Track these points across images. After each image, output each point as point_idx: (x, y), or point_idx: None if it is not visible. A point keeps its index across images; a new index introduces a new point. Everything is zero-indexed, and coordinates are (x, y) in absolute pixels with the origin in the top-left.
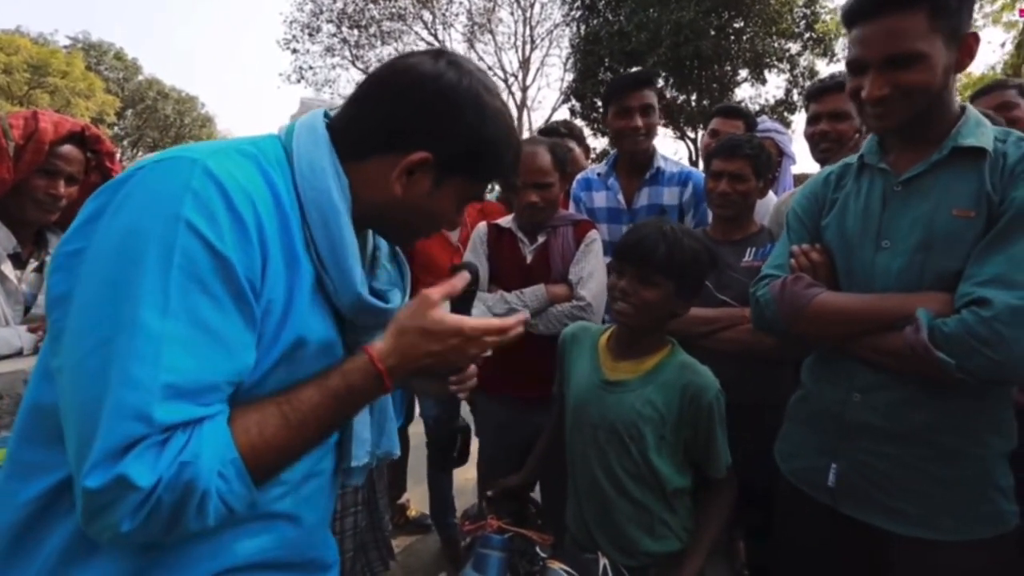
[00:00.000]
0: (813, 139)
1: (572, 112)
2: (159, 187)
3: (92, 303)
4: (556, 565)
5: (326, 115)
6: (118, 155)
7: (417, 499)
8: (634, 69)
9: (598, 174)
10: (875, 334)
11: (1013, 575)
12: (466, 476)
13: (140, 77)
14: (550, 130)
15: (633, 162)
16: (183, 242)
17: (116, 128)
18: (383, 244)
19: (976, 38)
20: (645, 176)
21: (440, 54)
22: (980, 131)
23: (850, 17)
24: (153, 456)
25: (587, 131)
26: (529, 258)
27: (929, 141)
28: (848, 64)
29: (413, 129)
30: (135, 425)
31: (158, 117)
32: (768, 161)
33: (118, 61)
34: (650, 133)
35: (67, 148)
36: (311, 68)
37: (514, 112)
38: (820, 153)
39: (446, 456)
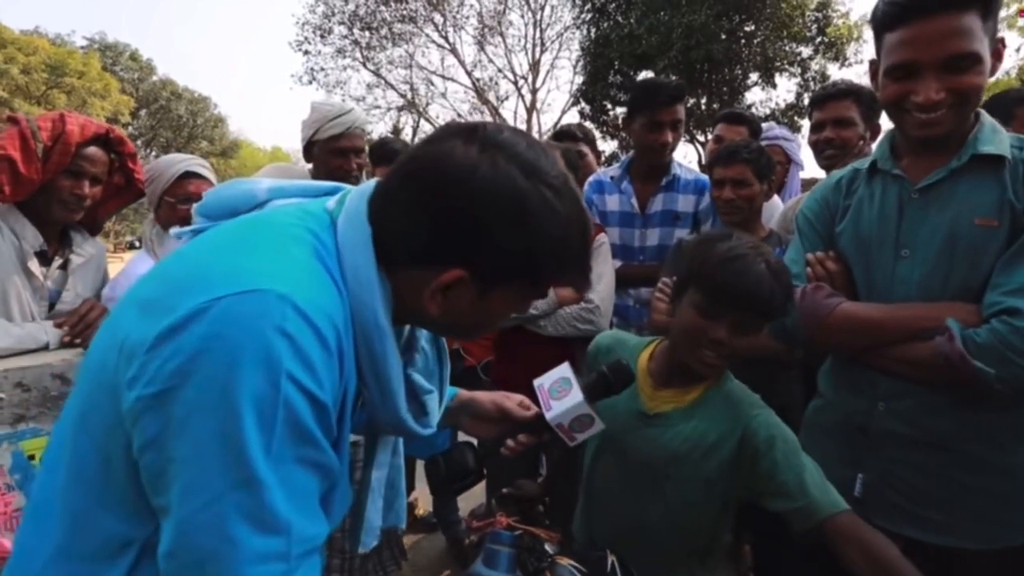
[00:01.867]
0: (817, 146)
1: (581, 115)
2: (253, 331)
3: (200, 456)
4: (565, 561)
5: (372, 198)
6: None
7: (425, 498)
8: (654, 77)
9: (611, 177)
10: (899, 344)
11: None
12: None
13: (154, 78)
14: (564, 133)
15: (650, 168)
16: (287, 396)
17: (130, 128)
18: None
19: (1004, 43)
20: (661, 182)
21: (473, 134)
22: (997, 138)
23: (896, 16)
24: None
25: (596, 134)
26: None
27: (945, 147)
28: (893, 69)
29: (445, 243)
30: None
31: (171, 117)
32: (769, 164)
33: (133, 62)
34: (675, 147)
35: (92, 150)
36: (323, 70)
37: (523, 115)
38: (824, 160)
39: (445, 488)
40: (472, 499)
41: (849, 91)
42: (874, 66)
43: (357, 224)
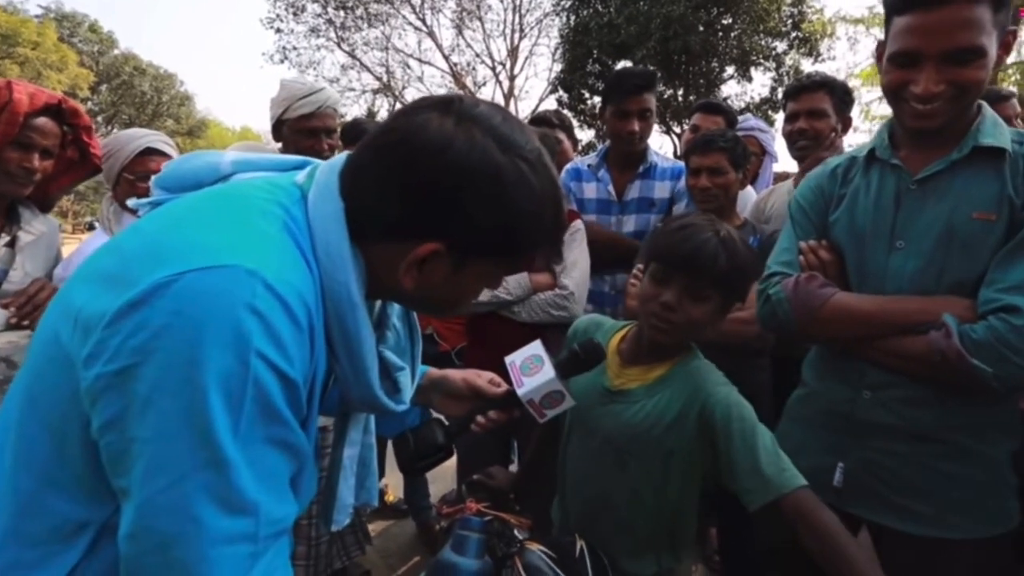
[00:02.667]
0: (791, 137)
1: (559, 103)
2: (220, 308)
3: (164, 436)
4: (534, 547)
5: (343, 173)
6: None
7: (395, 484)
8: (628, 66)
9: (589, 165)
10: (891, 338)
11: (1011, 572)
12: (445, 463)
13: (116, 51)
14: (540, 119)
15: (626, 156)
16: (256, 374)
17: (90, 103)
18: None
19: (1015, 35)
20: (638, 170)
21: (449, 106)
22: (998, 131)
23: (905, 2)
24: None
25: (574, 123)
26: None
27: (945, 138)
28: (895, 56)
29: (419, 216)
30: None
31: (134, 93)
32: (744, 153)
33: (92, 33)
34: (645, 136)
35: (42, 120)
36: (295, 49)
37: (500, 101)
38: (797, 151)
39: (413, 464)
40: (443, 485)
41: (823, 83)
42: (880, 48)
43: (328, 198)
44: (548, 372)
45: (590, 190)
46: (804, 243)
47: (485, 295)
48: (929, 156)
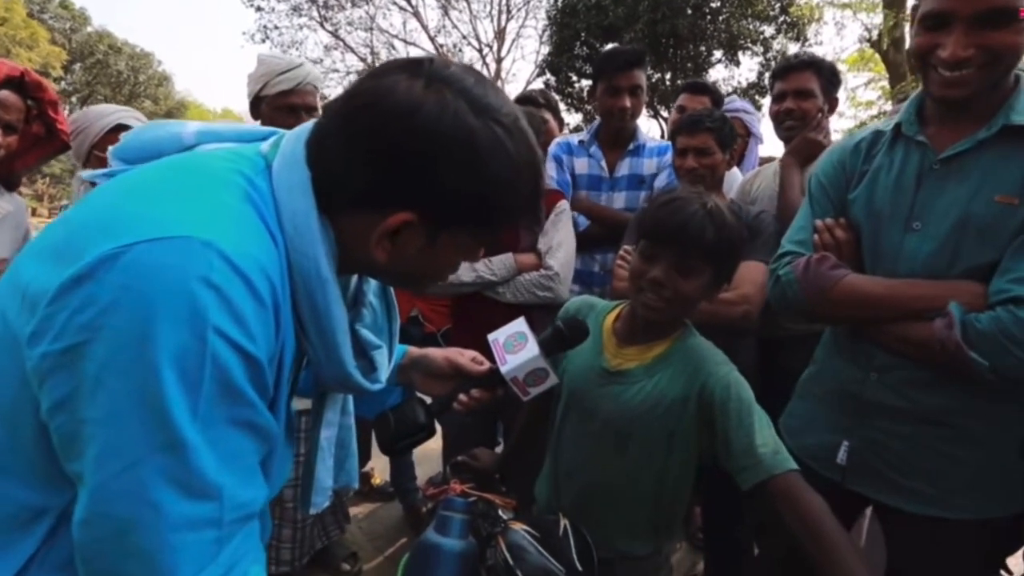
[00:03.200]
0: (778, 117)
1: (547, 86)
2: (173, 282)
3: (117, 418)
4: (517, 526)
5: (309, 141)
6: (66, 112)
7: (381, 468)
8: (617, 45)
9: (580, 141)
10: (900, 322)
11: (1008, 550)
12: (431, 446)
13: (89, 29)
14: (526, 98)
15: (616, 134)
16: (214, 352)
17: (63, 83)
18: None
19: None
20: (628, 147)
21: (418, 68)
22: None
23: None
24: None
25: (562, 106)
26: None
27: (975, 114)
28: (924, 18)
29: (389, 184)
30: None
31: (110, 73)
32: (731, 133)
33: (64, 10)
34: (636, 113)
35: (4, 94)
36: (276, 28)
37: None
38: (784, 131)
39: (394, 444)
40: (430, 467)
41: (811, 63)
42: (915, 11)
43: (294, 167)
44: (532, 349)
45: (581, 165)
46: (820, 222)
47: (469, 275)
48: (957, 133)
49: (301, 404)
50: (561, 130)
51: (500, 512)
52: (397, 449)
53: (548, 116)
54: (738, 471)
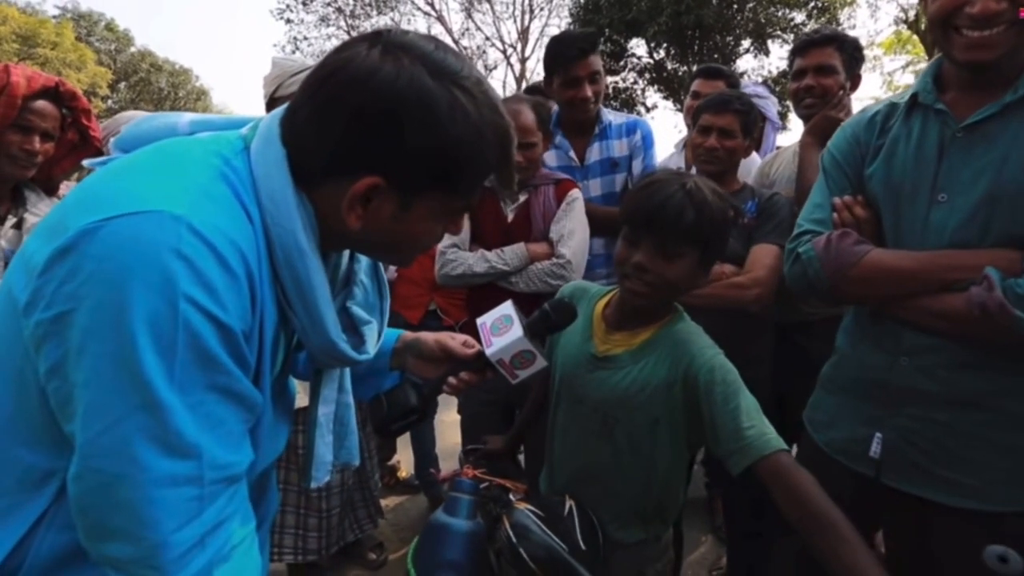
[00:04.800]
0: (797, 95)
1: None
2: (145, 253)
3: (99, 380)
4: (522, 506)
5: (284, 119)
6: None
7: (407, 461)
8: (565, 31)
9: None
10: (928, 295)
11: None
12: (455, 440)
13: (132, 49)
14: (534, 89)
15: (580, 122)
16: (186, 318)
17: (109, 101)
18: (363, 256)
19: None
20: (594, 131)
21: (377, 38)
22: None
23: None
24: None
25: None
26: (510, 217)
27: (996, 80)
28: None
29: (353, 149)
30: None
31: (152, 90)
32: (756, 119)
33: (109, 32)
34: (598, 99)
35: (41, 103)
36: (306, 39)
37: (512, 84)
38: (804, 109)
39: (387, 426)
40: (455, 462)
41: (832, 38)
42: None
43: (270, 144)
44: (517, 331)
45: (550, 157)
46: (838, 199)
47: (482, 266)
48: (979, 99)
49: (303, 403)
50: None
51: (510, 496)
52: (391, 430)
53: (554, 107)
54: (727, 456)
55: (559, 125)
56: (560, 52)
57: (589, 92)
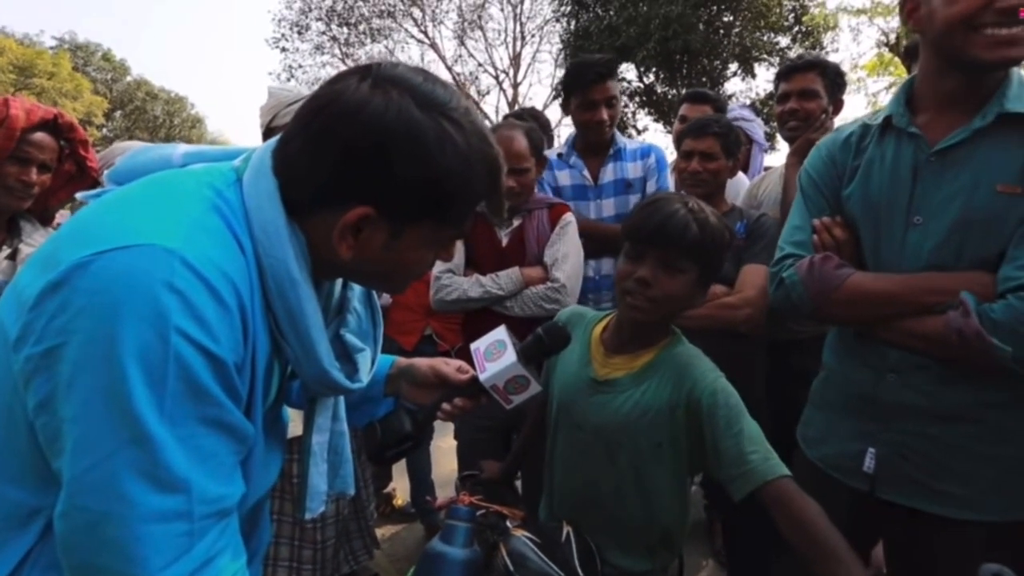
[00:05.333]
0: (782, 118)
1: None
2: (137, 287)
3: (88, 415)
4: (519, 532)
5: (276, 150)
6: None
7: (403, 489)
8: (585, 56)
9: (559, 154)
10: (908, 318)
11: None
12: (451, 467)
13: (128, 78)
14: (517, 115)
15: (596, 144)
16: (177, 351)
17: (105, 130)
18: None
19: None
20: (608, 152)
21: (367, 71)
22: None
23: None
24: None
25: None
26: (504, 241)
27: (966, 104)
28: None
29: (343, 180)
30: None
31: (147, 118)
32: (737, 141)
33: (106, 62)
34: (614, 122)
35: (39, 135)
36: (301, 67)
37: (505, 109)
38: (788, 132)
39: (382, 454)
40: (451, 489)
41: (815, 64)
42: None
43: (261, 175)
44: (510, 357)
45: (564, 177)
46: (817, 221)
47: (476, 291)
48: (950, 123)
49: (293, 431)
50: (551, 144)
51: (507, 523)
52: (386, 457)
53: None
54: (730, 481)
55: (574, 146)
56: (579, 75)
57: (605, 115)
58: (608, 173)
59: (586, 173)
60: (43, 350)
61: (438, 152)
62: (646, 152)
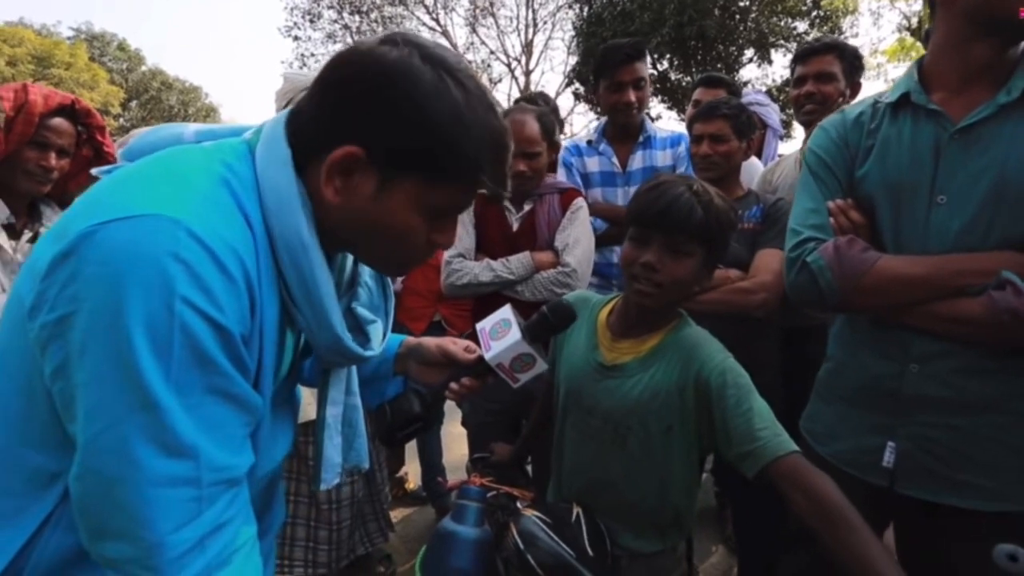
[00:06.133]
0: (798, 101)
1: (576, 96)
2: (142, 256)
3: (99, 381)
4: (529, 512)
5: (289, 119)
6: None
7: (416, 472)
8: (615, 40)
9: (588, 141)
10: (942, 301)
11: None
12: (462, 452)
13: (143, 68)
14: (528, 99)
15: (624, 130)
16: (183, 320)
17: (121, 119)
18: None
19: None
20: (638, 140)
21: (390, 37)
22: None
23: None
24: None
25: (592, 113)
26: (515, 226)
27: (989, 78)
28: None
29: (338, 120)
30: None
31: (162, 108)
32: (748, 121)
33: (121, 52)
34: (643, 106)
35: (57, 121)
36: (313, 55)
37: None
38: (804, 115)
39: (392, 435)
40: (462, 473)
41: (833, 46)
42: None
43: (273, 145)
44: (515, 335)
45: (593, 163)
46: (832, 203)
47: (487, 275)
48: (969, 100)
49: (311, 415)
50: (561, 131)
51: (518, 504)
52: (397, 439)
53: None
54: (740, 459)
55: (604, 133)
56: (608, 57)
57: (632, 97)
58: (637, 160)
59: (615, 160)
60: (56, 318)
61: (433, 99)
62: (676, 141)
